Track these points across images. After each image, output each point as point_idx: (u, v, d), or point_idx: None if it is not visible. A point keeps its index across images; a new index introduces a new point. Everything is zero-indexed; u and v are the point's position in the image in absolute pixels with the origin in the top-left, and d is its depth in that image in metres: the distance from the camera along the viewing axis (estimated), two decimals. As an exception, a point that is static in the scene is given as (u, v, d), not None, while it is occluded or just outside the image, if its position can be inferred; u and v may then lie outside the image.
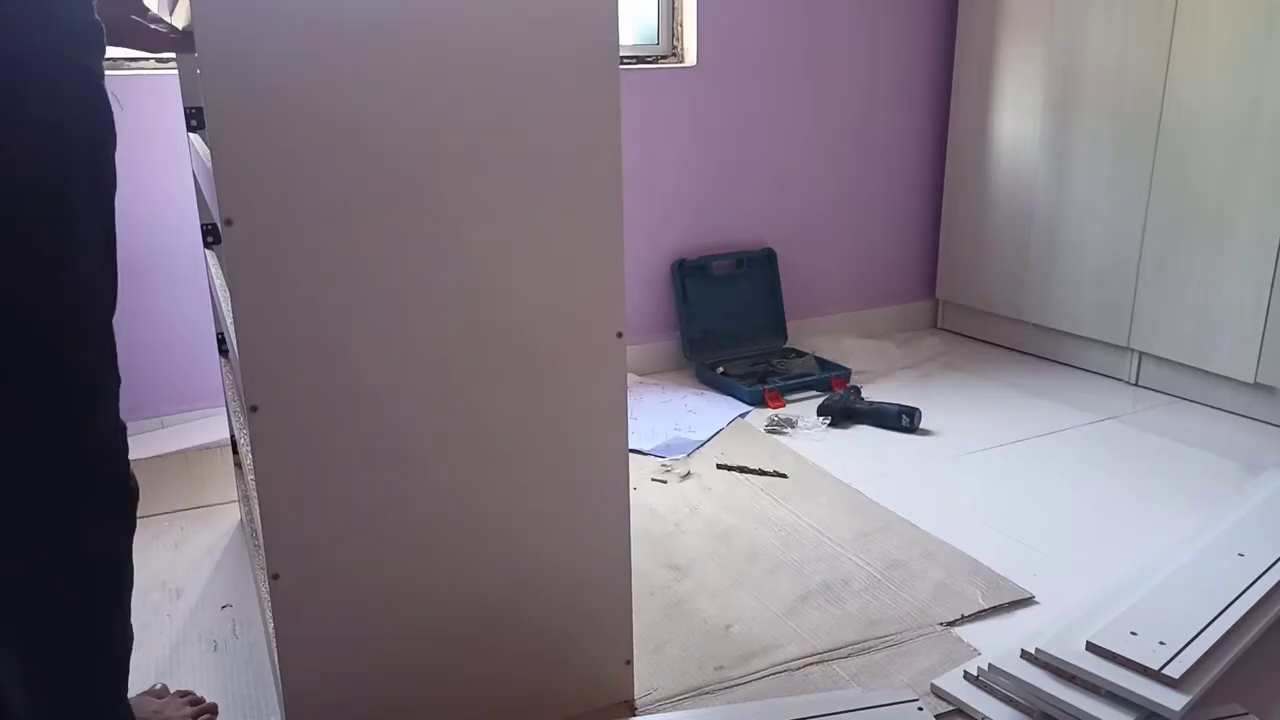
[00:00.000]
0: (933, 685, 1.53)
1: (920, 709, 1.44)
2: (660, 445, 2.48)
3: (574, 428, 1.34)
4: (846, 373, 2.92)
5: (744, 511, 2.13)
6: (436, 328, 1.23)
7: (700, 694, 1.53)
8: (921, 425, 2.58)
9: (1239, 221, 2.52)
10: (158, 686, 1.48)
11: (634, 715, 1.48)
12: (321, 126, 1.11)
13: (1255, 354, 2.53)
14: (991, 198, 3.18)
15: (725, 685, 1.55)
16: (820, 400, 2.72)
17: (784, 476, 2.30)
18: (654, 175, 2.92)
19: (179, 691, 1.48)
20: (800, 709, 1.44)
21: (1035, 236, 3.05)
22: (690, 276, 3.03)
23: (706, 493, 2.23)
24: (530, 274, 1.26)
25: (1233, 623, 1.48)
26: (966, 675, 1.52)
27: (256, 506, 1.23)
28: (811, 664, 1.60)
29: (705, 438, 2.53)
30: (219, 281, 1.69)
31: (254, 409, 1.16)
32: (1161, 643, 1.42)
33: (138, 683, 1.58)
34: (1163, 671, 1.36)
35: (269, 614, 1.38)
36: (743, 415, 2.69)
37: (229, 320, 1.27)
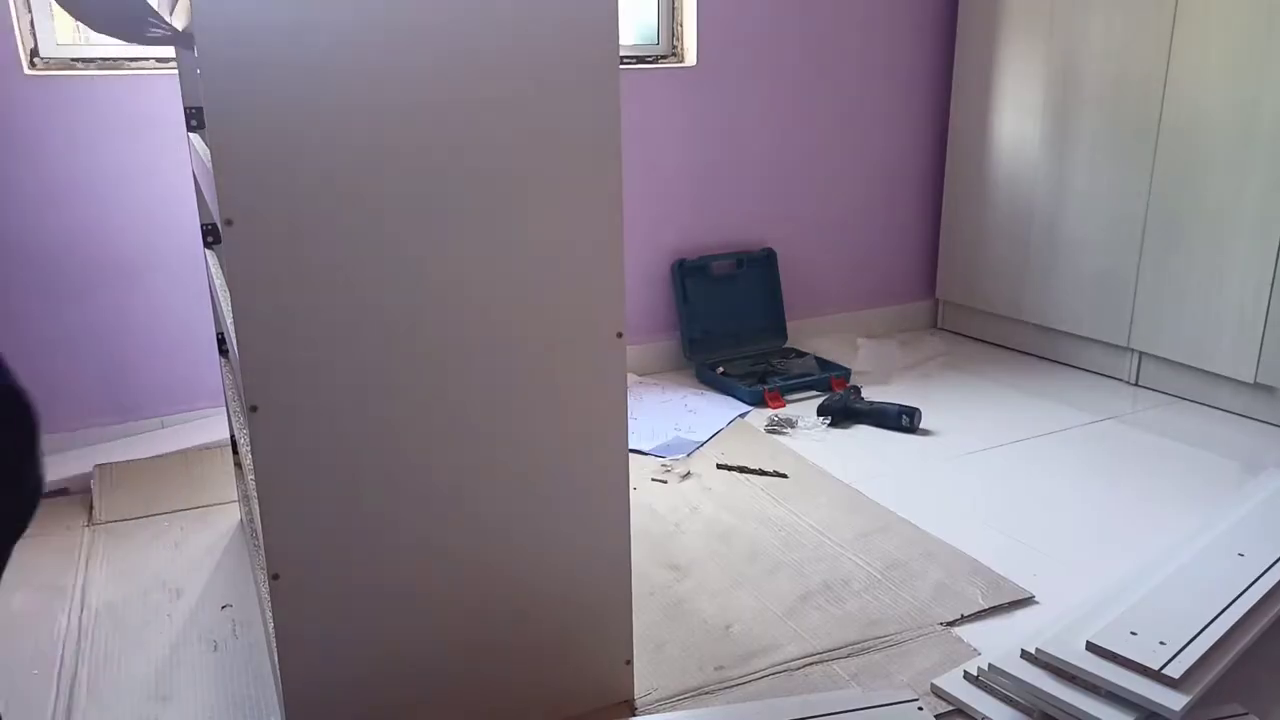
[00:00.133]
0: (933, 685, 1.53)
1: (920, 709, 1.44)
2: (660, 445, 2.48)
3: (574, 428, 1.34)
4: (846, 373, 2.92)
5: (744, 511, 2.13)
6: (436, 328, 1.23)
7: (700, 694, 1.53)
8: (921, 425, 2.58)
9: (1239, 221, 2.52)
10: None
11: (634, 715, 1.48)
12: (321, 126, 1.11)
13: (1255, 354, 2.53)
14: (991, 198, 3.18)
15: (725, 685, 1.55)
16: (820, 400, 2.72)
17: (784, 476, 2.30)
18: (654, 175, 2.92)
19: None
20: (800, 709, 1.44)
21: (1035, 236, 3.05)
22: (690, 276, 3.03)
23: (706, 493, 2.23)
24: (530, 274, 1.26)
25: (1233, 623, 1.48)
26: (966, 675, 1.52)
27: (256, 506, 1.23)
28: (811, 664, 1.60)
29: (705, 438, 2.53)
30: (219, 281, 1.69)
31: (254, 409, 1.16)
32: (1161, 643, 1.42)
33: (139, 682, 1.58)
34: (1163, 671, 1.36)
35: (269, 614, 1.38)
36: (743, 415, 2.69)
37: (229, 320, 1.27)
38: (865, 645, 1.65)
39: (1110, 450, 2.46)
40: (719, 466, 2.36)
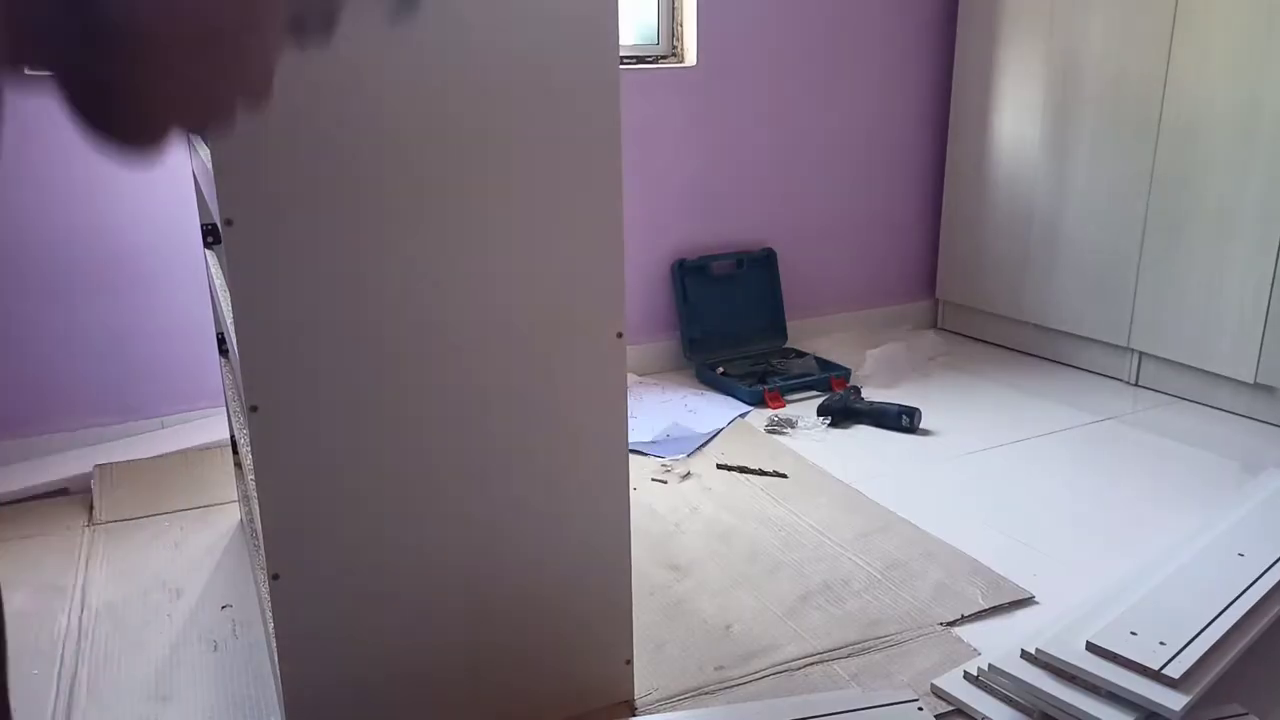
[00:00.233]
0: (933, 685, 1.53)
1: (920, 709, 1.44)
2: (660, 445, 2.48)
3: (574, 428, 1.34)
4: (846, 373, 2.92)
5: (744, 511, 2.13)
6: (436, 328, 1.23)
7: (700, 694, 1.53)
8: (921, 425, 2.58)
9: (1239, 221, 2.52)
10: None
11: (634, 715, 1.48)
12: (321, 127, 1.11)
13: (1255, 354, 2.53)
14: (991, 198, 3.18)
15: (725, 685, 1.55)
16: (820, 400, 2.72)
17: (784, 476, 2.30)
18: (654, 175, 2.92)
19: None
20: (800, 709, 1.44)
21: (1035, 236, 3.05)
22: (690, 276, 3.03)
23: (706, 493, 2.23)
24: (530, 274, 1.26)
25: (1233, 623, 1.48)
26: (966, 675, 1.52)
27: (256, 506, 1.23)
28: (811, 664, 1.60)
29: (705, 438, 2.53)
30: (219, 281, 1.69)
31: (254, 409, 1.16)
32: (1161, 643, 1.42)
33: (139, 682, 1.58)
34: (1163, 671, 1.36)
35: (269, 614, 1.38)
36: (743, 415, 2.69)
37: (229, 320, 1.27)
38: (865, 645, 1.65)
39: (1110, 450, 2.46)
40: (719, 466, 2.36)
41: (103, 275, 2.39)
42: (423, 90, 1.15)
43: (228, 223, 1.10)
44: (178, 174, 2.42)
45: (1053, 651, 1.43)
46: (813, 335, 3.25)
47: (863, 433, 2.58)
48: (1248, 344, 2.54)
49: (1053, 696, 1.39)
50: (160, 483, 2.29)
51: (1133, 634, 1.44)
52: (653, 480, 2.30)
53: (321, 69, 1.09)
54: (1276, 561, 1.65)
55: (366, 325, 1.19)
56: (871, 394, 2.77)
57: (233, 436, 2.03)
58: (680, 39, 2.97)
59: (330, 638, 1.27)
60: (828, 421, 2.61)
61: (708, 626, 1.71)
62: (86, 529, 2.09)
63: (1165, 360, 2.79)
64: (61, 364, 2.40)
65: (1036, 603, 1.77)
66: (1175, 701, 1.32)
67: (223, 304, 1.51)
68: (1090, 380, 2.94)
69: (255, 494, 1.23)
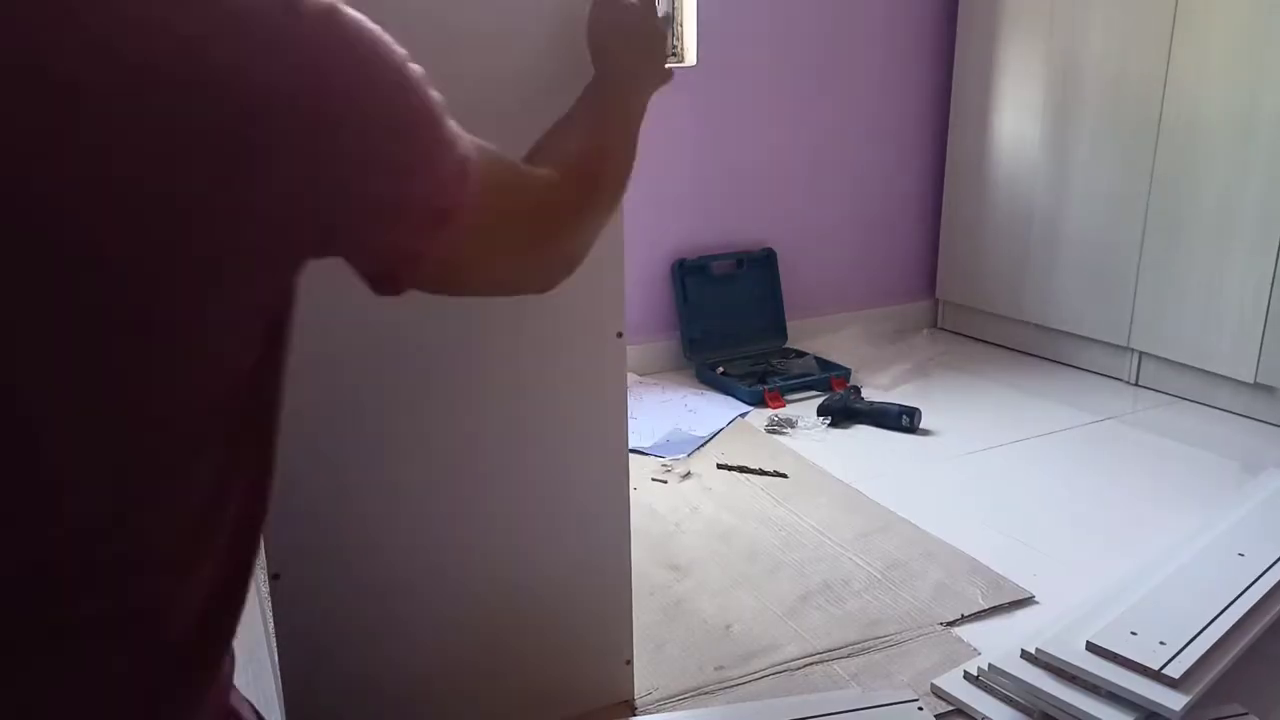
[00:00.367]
0: (933, 685, 1.53)
1: (920, 709, 1.44)
2: (660, 445, 2.48)
3: (574, 428, 1.34)
4: (846, 373, 2.92)
5: (744, 511, 2.13)
6: (436, 328, 1.23)
7: (700, 694, 1.53)
8: (921, 425, 2.58)
9: (1239, 221, 2.52)
10: None
11: (634, 715, 1.48)
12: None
13: (1255, 354, 2.53)
14: (991, 198, 3.17)
15: (725, 685, 1.55)
16: (820, 400, 2.72)
17: (784, 476, 2.30)
18: (654, 175, 2.92)
19: None
20: (800, 709, 1.44)
21: (1035, 236, 3.05)
22: (690, 276, 3.02)
23: (707, 493, 2.23)
24: (530, 274, 1.26)
25: (1233, 623, 1.48)
26: (966, 675, 1.52)
27: (256, 506, 1.23)
28: (811, 664, 1.60)
29: (705, 438, 2.53)
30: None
31: (254, 409, 1.16)
32: (1161, 643, 1.42)
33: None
34: (1163, 671, 1.36)
35: (269, 614, 1.38)
36: (743, 415, 2.69)
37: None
38: (865, 645, 1.64)
39: (1110, 450, 2.46)
40: (719, 466, 2.36)
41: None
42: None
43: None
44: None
45: (1053, 651, 1.43)
46: (813, 335, 3.25)
47: (863, 433, 2.58)
48: (1248, 344, 2.54)
49: (1053, 696, 1.39)
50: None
51: (1133, 634, 1.44)
52: (653, 480, 2.30)
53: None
54: (1276, 561, 1.65)
55: (365, 325, 1.19)
56: (871, 394, 2.77)
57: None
58: (680, 39, 2.96)
59: (330, 637, 1.27)
60: (828, 421, 2.61)
61: (708, 626, 1.71)
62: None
63: (1165, 360, 2.78)
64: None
65: (1036, 603, 1.77)
66: (1175, 701, 1.32)
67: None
68: (1090, 380, 2.94)
69: (255, 494, 1.22)
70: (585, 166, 0.96)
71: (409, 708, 1.35)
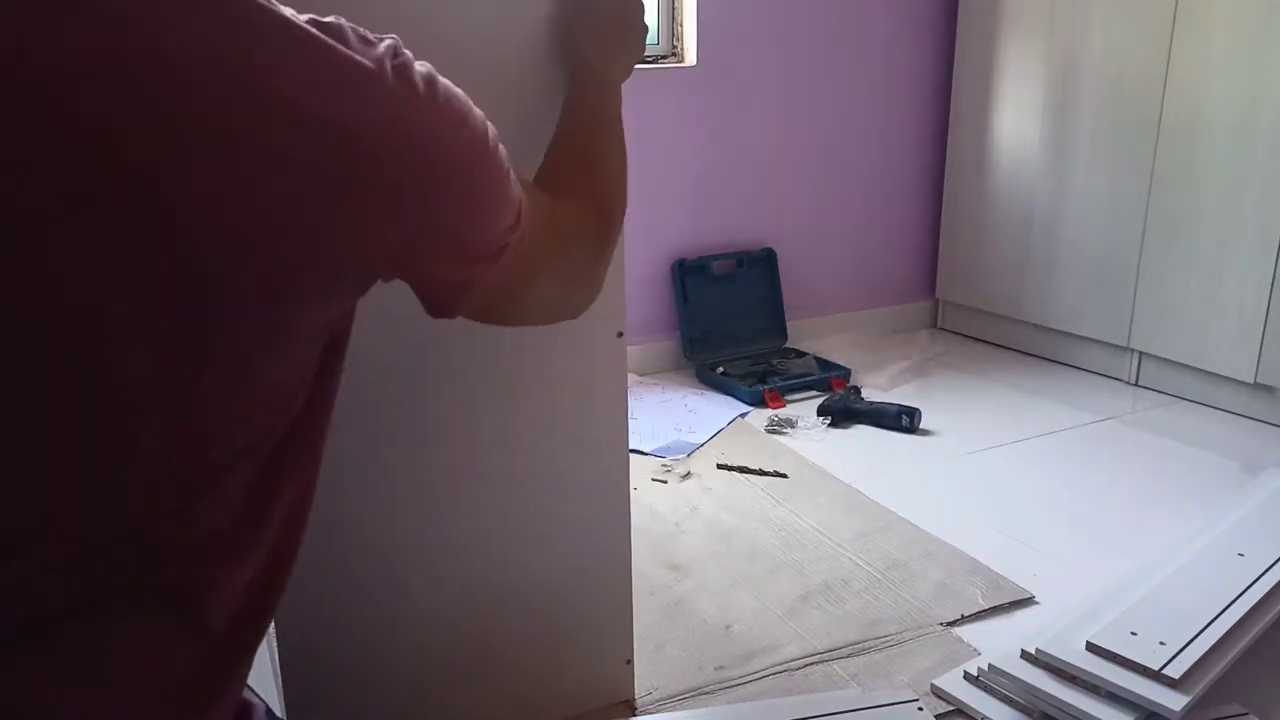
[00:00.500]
0: (933, 685, 1.53)
1: (920, 709, 1.44)
2: (660, 445, 2.48)
3: (574, 428, 1.34)
4: (846, 373, 2.92)
5: (744, 511, 2.13)
6: (436, 327, 1.22)
7: (700, 694, 1.53)
8: (921, 425, 2.58)
9: (1239, 221, 2.52)
10: None
11: (634, 715, 1.48)
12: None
13: (1255, 354, 2.53)
14: (991, 198, 3.18)
15: (725, 685, 1.55)
16: (820, 400, 2.72)
17: (784, 476, 2.30)
18: (654, 175, 2.92)
19: None
20: (800, 709, 1.44)
21: (1035, 236, 3.05)
22: (690, 276, 3.02)
23: (707, 493, 2.23)
24: (530, 274, 1.26)
25: (1233, 623, 1.48)
26: (966, 675, 1.52)
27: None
28: (811, 664, 1.60)
29: (705, 438, 2.53)
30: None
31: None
32: (1161, 643, 1.42)
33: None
34: (1163, 671, 1.36)
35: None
36: (743, 415, 2.69)
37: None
38: (865, 645, 1.65)
39: (1110, 450, 2.46)
40: (719, 466, 2.36)
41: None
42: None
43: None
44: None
45: (1053, 651, 1.43)
46: (813, 335, 3.25)
47: (863, 433, 2.58)
48: (1248, 344, 2.54)
49: (1053, 696, 1.39)
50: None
51: (1133, 634, 1.44)
52: (653, 480, 2.30)
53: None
54: (1276, 561, 1.65)
55: (364, 324, 1.18)
56: (871, 394, 2.77)
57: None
58: (680, 39, 2.97)
59: (330, 636, 1.27)
60: (828, 421, 2.61)
61: (708, 626, 1.71)
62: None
63: (1165, 360, 2.78)
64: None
65: (1036, 603, 1.77)
66: (1175, 701, 1.32)
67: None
68: (1090, 380, 2.94)
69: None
70: (596, 191, 1.03)
71: (410, 707, 1.35)
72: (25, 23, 0.54)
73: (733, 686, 1.55)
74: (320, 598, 1.25)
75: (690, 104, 2.93)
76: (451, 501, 1.29)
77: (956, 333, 3.43)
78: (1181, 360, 2.72)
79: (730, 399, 2.81)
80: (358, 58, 0.63)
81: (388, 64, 0.65)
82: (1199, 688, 1.35)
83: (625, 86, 1.15)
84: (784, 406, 2.75)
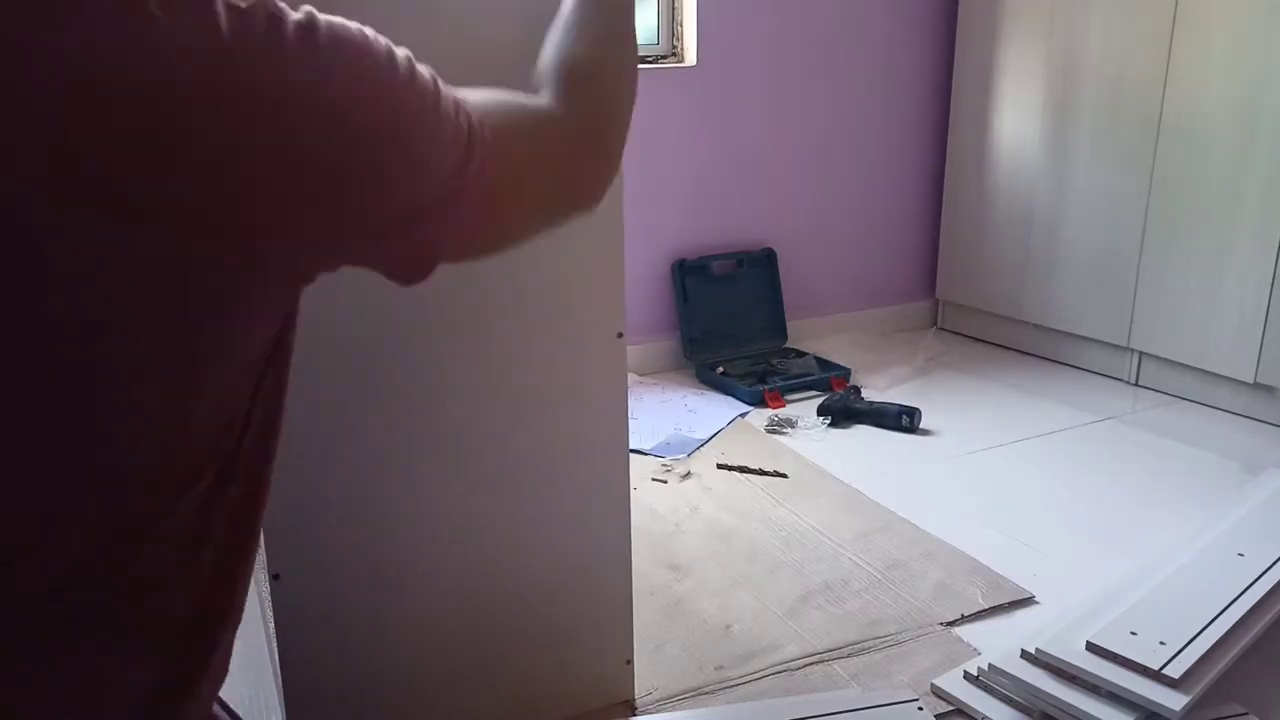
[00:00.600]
0: (933, 685, 1.53)
1: (920, 709, 1.44)
2: (660, 445, 2.48)
3: (574, 428, 1.34)
4: (846, 373, 2.92)
5: (744, 511, 2.13)
6: (436, 327, 1.23)
7: (700, 694, 1.53)
8: (921, 425, 2.58)
9: (1239, 221, 2.52)
10: None
11: (634, 715, 1.48)
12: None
13: (1255, 354, 2.53)
14: (991, 198, 3.17)
15: (725, 685, 1.55)
16: (820, 400, 2.72)
17: (784, 476, 2.30)
18: (654, 175, 2.92)
19: None
20: (800, 709, 1.44)
21: (1035, 236, 3.05)
22: (690, 276, 3.02)
23: (707, 493, 2.23)
24: (531, 274, 1.26)
25: (1233, 623, 1.48)
26: (966, 675, 1.52)
27: (256, 506, 1.23)
28: (811, 664, 1.60)
29: (705, 438, 2.53)
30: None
31: (254, 409, 1.16)
32: (1161, 643, 1.42)
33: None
34: (1163, 671, 1.36)
35: (269, 614, 1.38)
36: (743, 415, 2.69)
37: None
38: (865, 645, 1.65)
39: (1110, 450, 2.46)
40: (719, 466, 2.36)
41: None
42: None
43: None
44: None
45: (1053, 651, 1.43)
46: (813, 335, 3.25)
47: (863, 433, 2.58)
48: (1248, 344, 2.54)
49: (1053, 696, 1.39)
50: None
51: (1133, 634, 1.44)
52: (653, 480, 2.30)
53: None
54: (1276, 561, 1.65)
55: (364, 324, 1.19)
56: (871, 394, 2.77)
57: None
58: (680, 39, 2.97)
59: (330, 637, 1.27)
60: (828, 421, 2.61)
61: (708, 626, 1.71)
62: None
63: (1165, 360, 2.78)
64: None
65: (1036, 603, 1.77)
66: (1175, 701, 1.32)
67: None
68: (1090, 380, 2.94)
69: (255, 494, 1.22)
70: (593, 80, 0.90)
71: (410, 707, 1.35)
72: (9, 24, 0.52)
73: (733, 686, 1.55)
74: (320, 598, 1.25)
75: (690, 104, 2.93)
76: (452, 502, 1.29)
77: (956, 333, 3.43)
78: (1181, 360, 2.72)
79: (730, 399, 2.81)
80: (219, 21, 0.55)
81: (257, 20, 0.57)
82: (1199, 688, 1.35)
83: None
84: (784, 406, 2.75)
